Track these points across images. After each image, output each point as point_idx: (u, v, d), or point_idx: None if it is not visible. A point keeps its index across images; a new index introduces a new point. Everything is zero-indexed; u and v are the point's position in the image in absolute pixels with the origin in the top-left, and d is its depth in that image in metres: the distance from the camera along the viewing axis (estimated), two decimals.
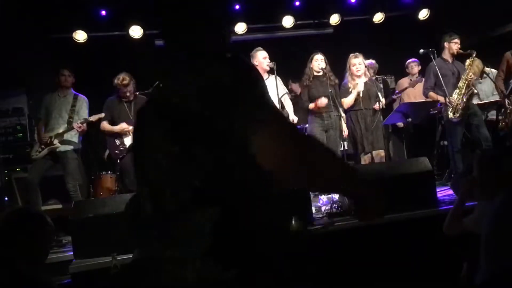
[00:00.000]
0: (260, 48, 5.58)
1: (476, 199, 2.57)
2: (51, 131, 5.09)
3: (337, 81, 5.65)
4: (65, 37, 6.67)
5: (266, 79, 5.42)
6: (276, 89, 5.30)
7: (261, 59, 5.46)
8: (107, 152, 5.86)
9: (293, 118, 5.69)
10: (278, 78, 5.56)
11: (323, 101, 5.45)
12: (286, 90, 5.83)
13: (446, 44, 5.79)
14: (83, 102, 5.25)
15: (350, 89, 5.64)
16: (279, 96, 5.51)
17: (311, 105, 5.58)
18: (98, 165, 6.83)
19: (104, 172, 6.25)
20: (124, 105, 5.40)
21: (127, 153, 5.32)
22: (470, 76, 5.61)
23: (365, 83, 5.67)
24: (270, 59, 5.50)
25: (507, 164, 2.34)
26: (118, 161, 5.56)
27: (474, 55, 5.67)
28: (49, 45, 6.64)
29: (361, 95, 5.58)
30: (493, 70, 6.36)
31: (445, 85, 5.56)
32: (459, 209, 2.62)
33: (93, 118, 5.23)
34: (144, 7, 6.77)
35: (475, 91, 5.82)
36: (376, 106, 5.63)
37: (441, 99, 5.63)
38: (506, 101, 5.78)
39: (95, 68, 6.56)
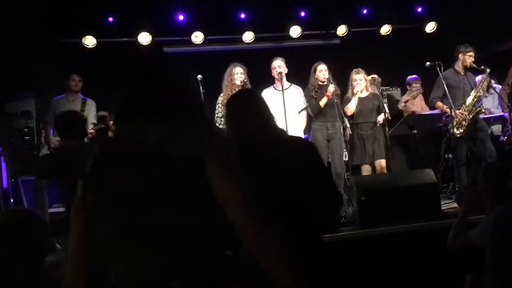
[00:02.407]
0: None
1: (480, 213, 2.58)
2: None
3: (339, 91, 5.62)
4: (74, 42, 6.72)
5: (286, 88, 5.35)
6: (283, 102, 5.14)
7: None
8: None
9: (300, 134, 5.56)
10: (298, 89, 5.63)
11: (330, 89, 5.39)
12: (306, 104, 5.63)
13: (460, 56, 5.66)
14: (91, 107, 5.29)
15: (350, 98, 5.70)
16: (299, 110, 5.56)
17: (323, 100, 5.45)
18: None
19: None
20: None
21: None
22: (480, 93, 5.56)
23: (365, 98, 5.71)
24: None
25: None
26: None
27: (488, 71, 5.60)
28: (58, 49, 6.69)
29: (359, 95, 5.61)
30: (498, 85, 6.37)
31: (454, 97, 5.48)
32: (462, 222, 2.64)
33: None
34: (153, 14, 6.85)
35: (483, 109, 5.77)
36: (379, 119, 5.61)
37: (448, 110, 5.54)
38: None
39: (104, 73, 6.60)
